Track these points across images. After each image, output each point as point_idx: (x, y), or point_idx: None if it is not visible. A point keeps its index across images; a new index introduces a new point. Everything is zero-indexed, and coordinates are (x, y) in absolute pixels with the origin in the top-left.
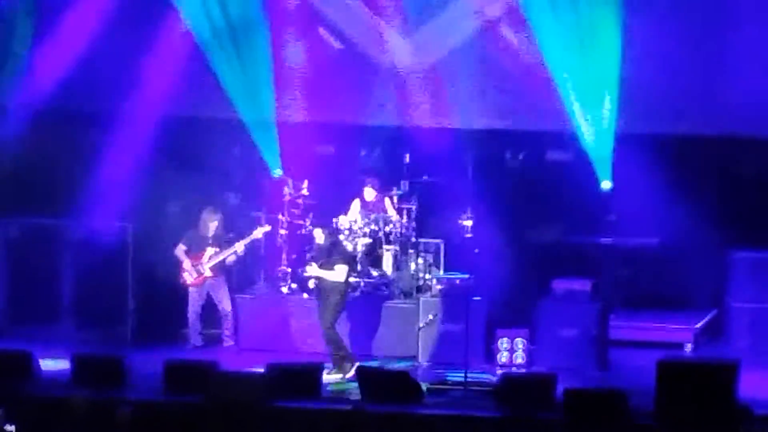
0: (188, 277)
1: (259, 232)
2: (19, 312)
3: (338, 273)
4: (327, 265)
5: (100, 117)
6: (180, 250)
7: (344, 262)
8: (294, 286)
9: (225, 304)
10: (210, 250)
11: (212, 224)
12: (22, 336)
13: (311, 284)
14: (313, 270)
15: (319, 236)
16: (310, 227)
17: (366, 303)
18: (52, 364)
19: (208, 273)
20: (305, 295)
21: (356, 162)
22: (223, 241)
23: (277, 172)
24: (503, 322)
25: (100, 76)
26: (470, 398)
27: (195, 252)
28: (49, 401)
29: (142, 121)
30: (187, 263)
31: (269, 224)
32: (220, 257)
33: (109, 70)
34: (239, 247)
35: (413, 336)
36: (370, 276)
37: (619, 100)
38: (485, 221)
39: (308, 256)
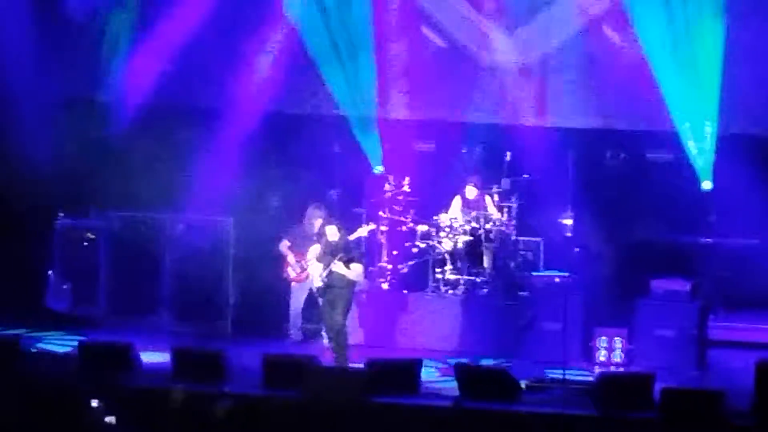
0: (291, 272)
1: (364, 230)
2: (119, 304)
3: (356, 271)
4: (346, 263)
5: (201, 113)
6: (284, 245)
7: (360, 261)
8: (395, 282)
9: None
10: (315, 247)
11: (317, 221)
12: (123, 328)
13: (319, 282)
14: (338, 267)
15: (333, 233)
16: (411, 224)
17: (465, 300)
18: (152, 357)
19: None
20: (405, 292)
21: (457, 159)
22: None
23: (379, 169)
24: (602, 321)
25: (202, 72)
26: (568, 396)
27: (299, 248)
28: (149, 393)
29: (244, 117)
30: (291, 258)
31: (371, 221)
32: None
33: (212, 67)
34: None
35: (512, 333)
36: (469, 273)
37: (721, 101)
38: (585, 220)
39: (320, 253)
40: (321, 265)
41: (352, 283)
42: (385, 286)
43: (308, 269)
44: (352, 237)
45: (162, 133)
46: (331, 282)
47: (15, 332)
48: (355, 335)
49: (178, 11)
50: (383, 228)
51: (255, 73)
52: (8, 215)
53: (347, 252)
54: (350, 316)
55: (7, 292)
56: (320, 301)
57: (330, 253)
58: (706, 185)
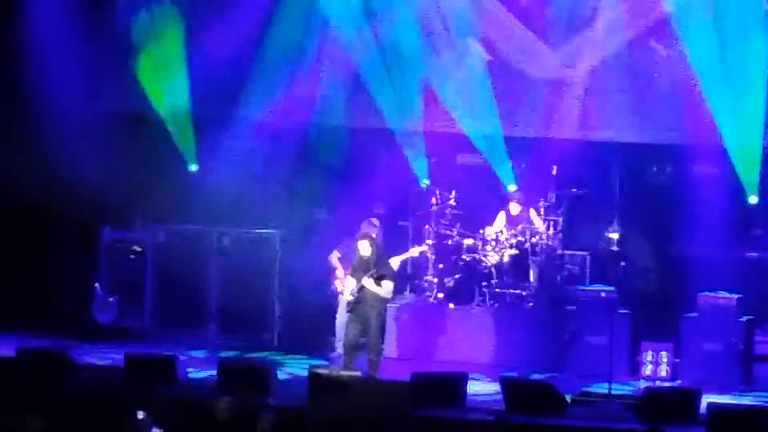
0: (339, 285)
1: (415, 251)
2: (165, 317)
3: (386, 289)
4: (377, 280)
5: (248, 124)
6: (334, 256)
7: (392, 279)
8: (440, 295)
9: None
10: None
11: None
12: (168, 340)
13: (348, 297)
14: (369, 284)
15: (366, 248)
16: (457, 237)
17: (511, 314)
18: (198, 369)
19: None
20: (451, 305)
21: (503, 173)
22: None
23: (425, 182)
24: (648, 335)
25: (248, 85)
26: (614, 410)
27: (350, 261)
28: (194, 405)
29: (291, 129)
30: (340, 271)
31: (420, 240)
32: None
33: (258, 79)
34: (394, 263)
35: (558, 347)
36: (515, 287)
37: (767, 115)
38: (631, 234)
39: (352, 267)
40: (354, 280)
41: (383, 300)
42: (431, 299)
43: (344, 283)
44: (402, 257)
45: (208, 145)
46: (362, 298)
47: (62, 344)
48: (401, 349)
49: (222, 24)
50: (429, 242)
51: (301, 86)
52: (56, 228)
53: (379, 268)
54: (396, 329)
55: (54, 304)
56: (347, 316)
57: (362, 268)
58: (753, 199)
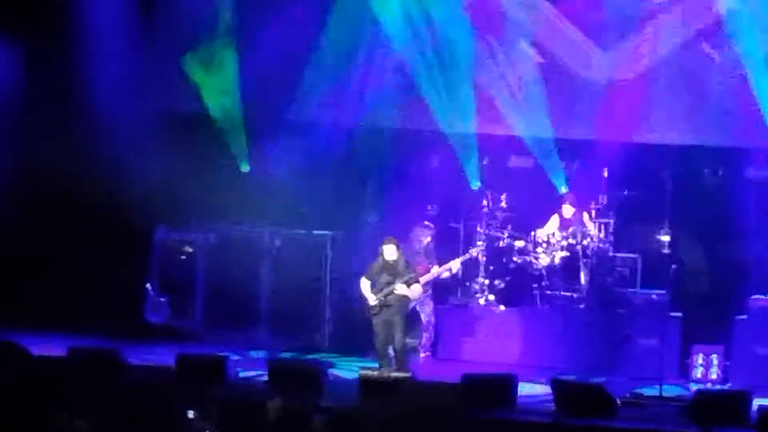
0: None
1: (474, 251)
2: (216, 318)
3: (416, 291)
4: (407, 284)
5: (301, 126)
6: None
7: (417, 281)
8: (491, 297)
9: (430, 316)
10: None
11: (425, 239)
12: (219, 341)
13: (374, 301)
14: (402, 289)
15: (392, 253)
16: (508, 239)
17: (562, 316)
18: (249, 370)
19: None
20: (502, 307)
21: (555, 175)
22: (433, 256)
23: (476, 185)
24: (699, 338)
25: (302, 87)
26: (664, 413)
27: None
28: (246, 406)
29: (342, 132)
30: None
31: (473, 244)
32: (434, 274)
33: (311, 81)
34: (454, 265)
35: (609, 349)
36: (566, 289)
37: None
38: (683, 236)
39: (376, 270)
40: (368, 282)
41: (408, 301)
42: (482, 301)
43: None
44: (462, 258)
45: (260, 147)
46: (389, 302)
47: (113, 344)
48: (451, 350)
49: (276, 26)
50: (480, 243)
51: (353, 87)
52: (108, 228)
53: (405, 274)
54: (447, 330)
55: (106, 304)
56: (373, 319)
57: (388, 272)
58: None
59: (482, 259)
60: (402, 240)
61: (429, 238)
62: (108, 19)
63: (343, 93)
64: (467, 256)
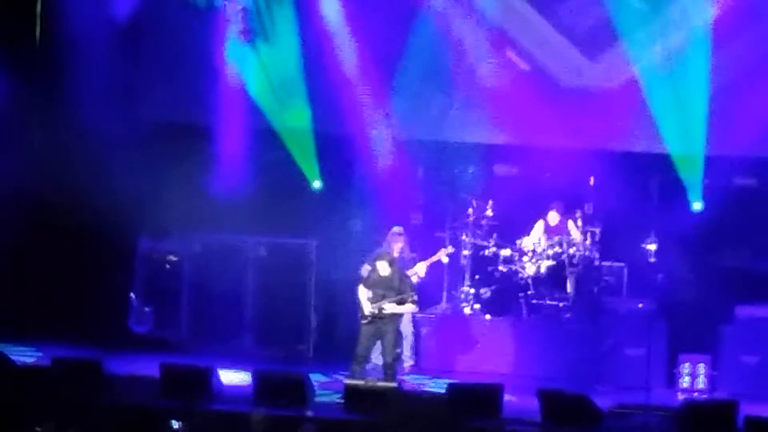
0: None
1: (442, 254)
2: (201, 327)
3: (409, 309)
4: (400, 301)
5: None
6: (365, 269)
7: (413, 301)
8: (477, 306)
9: (404, 326)
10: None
11: (397, 245)
12: (204, 351)
13: (368, 311)
14: (391, 308)
15: (384, 269)
16: (494, 248)
17: (548, 325)
18: (234, 380)
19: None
20: (487, 316)
21: (540, 183)
22: (407, 262)
23: (461, 194)
24: (685, 347)
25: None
26: (651, 423)
27: None
28: (230, 417)
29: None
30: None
31: (452, 246)
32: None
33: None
34: (420, 268)
35: (595, 358)
36: (552, 298)
37: None
38: (669, 246)
39: (370, 284)
40: (366, 291)
41: (400, 316)
42: (467, 310)
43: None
44: (428, 261)
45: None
46: (382, 315)
47: (97, 354)
48: (437, 360)
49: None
50: (465, 252)
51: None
52: (91, 238)
53: (402, 289)
54: (432, 340)
55: (89, 314)
56: (363, 326)
57: (381, 286)
58: None
59: (467, 267)
60: (379, 247)
61: (402, 244)
62: (94, 31)
63: (326, 102)
64: (434, 259)
